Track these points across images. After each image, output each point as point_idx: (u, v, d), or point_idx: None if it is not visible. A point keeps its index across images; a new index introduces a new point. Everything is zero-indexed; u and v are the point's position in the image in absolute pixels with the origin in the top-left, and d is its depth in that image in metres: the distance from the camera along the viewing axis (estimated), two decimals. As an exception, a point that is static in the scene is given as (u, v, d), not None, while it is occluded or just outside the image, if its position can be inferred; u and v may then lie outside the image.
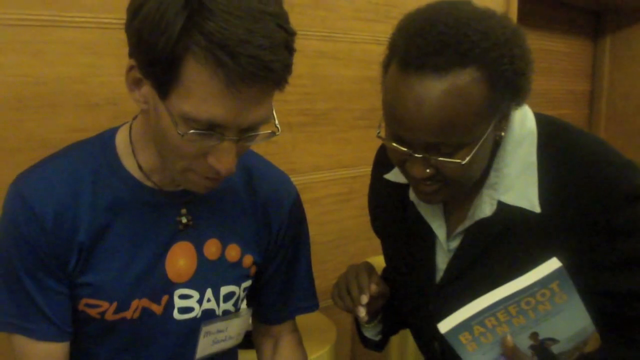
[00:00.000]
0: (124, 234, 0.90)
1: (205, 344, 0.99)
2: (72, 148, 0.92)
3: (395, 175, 1.03)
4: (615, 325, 0.88)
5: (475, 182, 0.89)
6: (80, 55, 1.28)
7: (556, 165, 0.88)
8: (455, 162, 0.81)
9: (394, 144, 0.85)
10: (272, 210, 1.02)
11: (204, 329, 0.97)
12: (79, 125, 1.28)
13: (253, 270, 1.02)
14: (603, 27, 3.77)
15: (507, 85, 0.80)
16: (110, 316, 0.90)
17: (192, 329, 0.97)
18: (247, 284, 1.02)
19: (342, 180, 1.91)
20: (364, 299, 0.98)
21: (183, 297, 0.94)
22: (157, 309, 0.93)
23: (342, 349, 1.87)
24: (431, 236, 1.00)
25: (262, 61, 0.69)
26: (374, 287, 0.99)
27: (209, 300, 0.97)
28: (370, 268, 1.05)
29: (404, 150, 0.84)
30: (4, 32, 1.18)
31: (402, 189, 1.01)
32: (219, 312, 0.98)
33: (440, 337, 0.82)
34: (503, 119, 0.86)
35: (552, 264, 0.78)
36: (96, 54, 1.29)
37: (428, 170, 0.84)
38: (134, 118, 0.93)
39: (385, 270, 1.18)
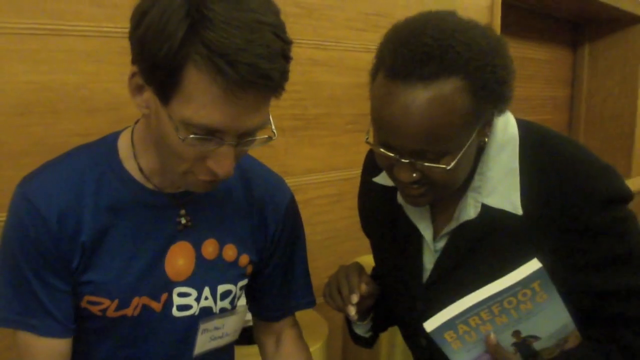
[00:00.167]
0: (126, 234, 0.91)
1: (203, 341, 1.00)
2: (76, 151, 0.93)
3: (383, 179, 1.03)
4: (594, 323, 0.89)
5: (460, 186, 0.90)
6: (83, 63, 1.28)
7: (537, 169, 0.89)
8: (441, 167, 0.82)
9: (382, 150, 0.85)
10: (269, 212, 1.03)
11: (202, 326, 0.99)
12: (81, 130, 1.28)
13: (249, 269, 1.03)
14: (582, 37, 3.80)
15: (490, 93, 0.81)
16: (111, 313, 0.91)
17: (190, 326, 0.98)
18: (243, 282, 1.03)
19: (333, 183, 1.90)
20: (354, 298, 0.98)
21: (182, 295, 0.96)
22: (156, 306, 0.94)
23: (334, 345, 1.83)
24: (418, 237, 1.00)
25: (260, 69, 0.71)
26: (363, 287, 1.00)
27: (206, 299, 0.98)
28: (360, 268, 1.05)
29: (391, 156, 0.84)
30: (10, 40, 1.19)
31: (390, 191, 1.02)
32: (216, 309, 1.00)
33: (427, 335, 0.83)
34: (486, 126, 0.87)
35: (533, 265, 0.79)
36: (98, 62, 1.29)
37: (414, 175, 0.84)
38: (136, 122, 0.94)
39: (374, 269, 1.19)
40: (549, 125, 0.95)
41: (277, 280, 1.09)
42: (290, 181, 1.11)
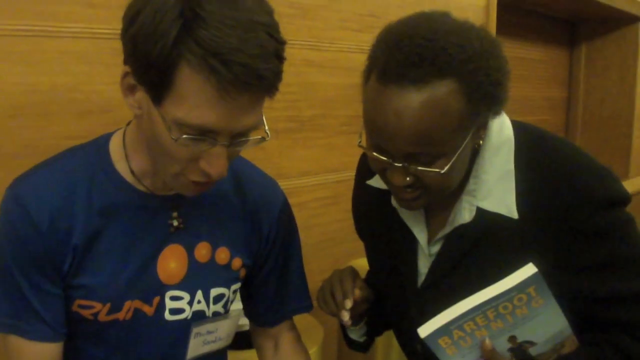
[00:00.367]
0: (117, 236, 0.90)
1: (196, 345, 1.00)
2: (68, 153, 0.93)
3: (377, 182, 1.02)
4: (592, 327, 0.89)
5: (455, 189, 0.90)
6: (74, 65, 1.28)
7: (533, 172, 0.88)
8: (435, 171, 0.81)
9: (375, 154, 0.85)
10: (262, 214, 1.03)
11: (195, 330, 0.98)
12: (73, 132, 1.27)
13: (242, 273, 1.03)
14: (578, 36, 3.80)
15: (484, 96, 0.80)
16: (103, 317, 0.91)
17: (182, 330, 0.97)
18: (236, 286, 1.03)
19: (328, 185, 1.90)
20: (348, 303, 0.98)
21: (174, 298, 0.95)
22: (148, 310, 0.94)
23: (329, 350, 1.84)
24: (413, 241, 1.00)
25: (253, 69, 0.70)
26: (357, 292, 1.00)
27: (199, 302, 0.97)
28: (354, 273, 1.05)
29: (384, 160, 0.84)
30: (1, 41, 1.18)
31: (384, 194, 1.01)
32: (209, 313, 0.99)
33: (422, 340, 0.82)
34: (481, 128, 0.87)
35: (528, 270, 0.78)
36: (89, 63, 1.29)
37: (408, 179, 0.84)
38: (128, 124, 0.93)
39: (369, 273, 1.18)
40: (545, 126, 0.95)
41: (273, 284, 1.09)
42: (284, 184, 1.11)
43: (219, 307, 1.01)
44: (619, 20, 3.60)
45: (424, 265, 1.00)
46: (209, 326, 1.01)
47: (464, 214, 0.92)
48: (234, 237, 1.01)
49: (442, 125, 0.78)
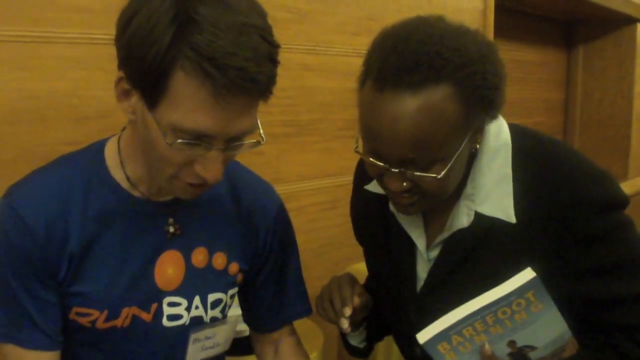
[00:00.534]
0: (114, 243, 0.90)
1: (194, 351, 1.00)
2: (63, 160, 0.93)
3: (375, 187, 1.01)
4: (592, 331, 0.89)
5: (452, 193, 0.89)
6: (72, 70, 1.28)
7: (531, 175, 0.88)
8: (431, 176, 0.81)
9: (371, 159, 0.85)
10: (258, 219, 1.03)
11: (193, 335, 0.98)
12: (71, 137, 1.27)
13: (240, 277, 1.03)
14: (575, 38, 3.80)
15: (481, 100, 0.80)
16: (100, 324, 0.90)
17: (181, 336, 0.97)
18: (233, 291, 1.02)
19: (326, 189, 1.90)
20: (347, 311, 0.98)
21: (172, 304, 0.95)
22: (146, 316, 0.93)
23: (330, 355, 1.84)
24: (411, 246, 0.99)
25: (247, 73, 0.70)
26: (356, 300, 0.99)
27: (197, 308, 0.97)
28: (352, 279, 1.04)
29: (381, 165, 0.83)
30: None
31: (382, 199, 1.00)
32: (206, 319, 0.99)
33: (421, 345, 0.82)
34: (478, 132, 0.86)
35: (527, 274, 0.79)
36: (87, 69, 1.29)
37: (405, 184, 0.84)
38: (122, 130, 0.93)
39: (368, 279, 1.18)
40: (543, 128, 0.97)
41: (271, 289, 1.08)
42: (282, 188, 1.11)
43: (216, 313, 1.01)
44: (617, 21, 3.60)
45: (422, 270, 0.99)
46: (207, 332, 1.00)
47: (462, 219, 0.91)
48: (230, 242, 1.00)
49: (438, 130, 0.78)
